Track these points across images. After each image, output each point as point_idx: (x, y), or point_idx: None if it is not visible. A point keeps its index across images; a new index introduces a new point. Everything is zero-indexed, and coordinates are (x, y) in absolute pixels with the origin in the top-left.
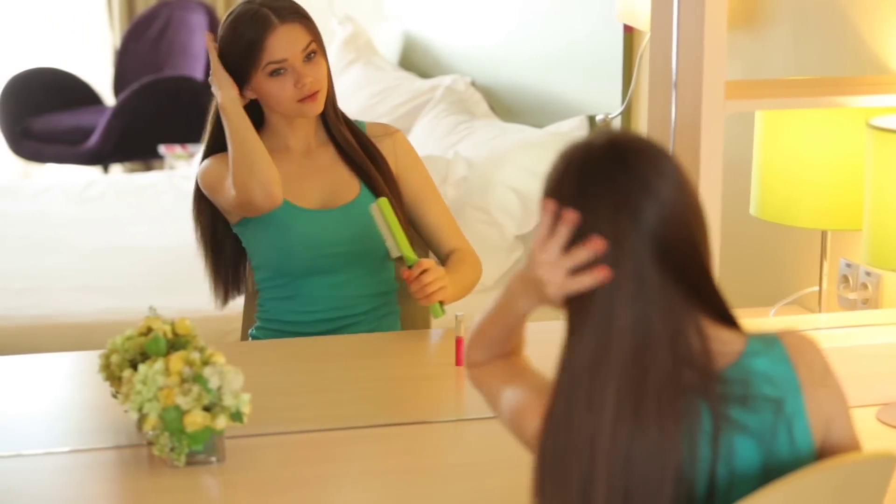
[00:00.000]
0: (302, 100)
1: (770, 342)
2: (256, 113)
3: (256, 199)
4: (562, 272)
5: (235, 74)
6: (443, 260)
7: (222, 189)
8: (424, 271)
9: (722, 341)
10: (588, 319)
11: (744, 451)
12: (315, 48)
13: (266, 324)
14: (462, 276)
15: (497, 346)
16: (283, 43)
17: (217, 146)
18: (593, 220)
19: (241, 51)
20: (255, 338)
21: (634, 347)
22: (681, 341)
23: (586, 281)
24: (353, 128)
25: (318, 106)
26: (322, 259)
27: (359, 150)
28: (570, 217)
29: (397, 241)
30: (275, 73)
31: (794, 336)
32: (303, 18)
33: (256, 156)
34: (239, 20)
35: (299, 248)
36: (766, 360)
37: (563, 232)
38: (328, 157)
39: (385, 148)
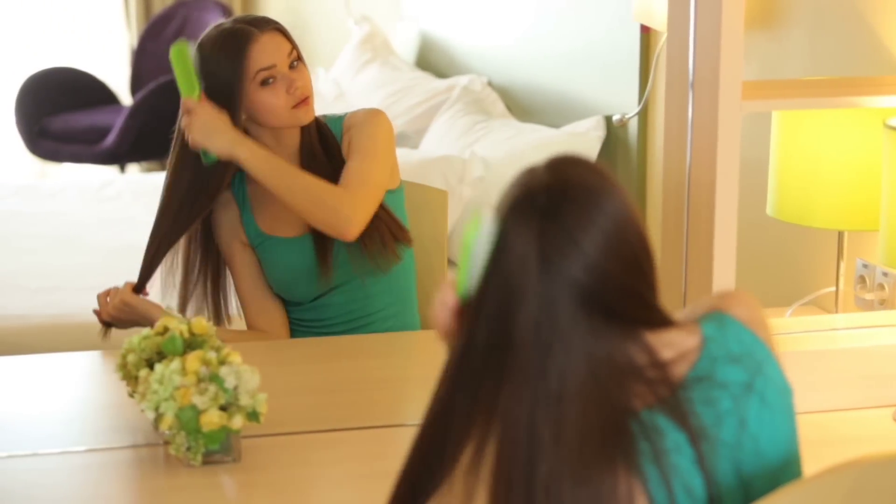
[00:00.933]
0: (296, 106)
1: (721, 321)
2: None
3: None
4: None
5: (227, 97)
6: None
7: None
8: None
9: (676, 344)
10: (506, 385)
11: (723, 464)
12: (297, 55)
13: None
14: (295, 172)
15: None
16: (268, 49)
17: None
18: (515, 267)
19: (229, 68)
20: None
21: (559, 404)
22: (619, 366)
23: None
24: (325, 144)
25: (311, 112)
26: (321, 280)
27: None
28: None
29: (181, 89)
30: (265, 81)
31: (735, 305)
32: (279, 27)
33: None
34: (218, 41)
35: (294, 278)
36: (725, 343)
37: None
38: (322, 164)
39: (350, 129)
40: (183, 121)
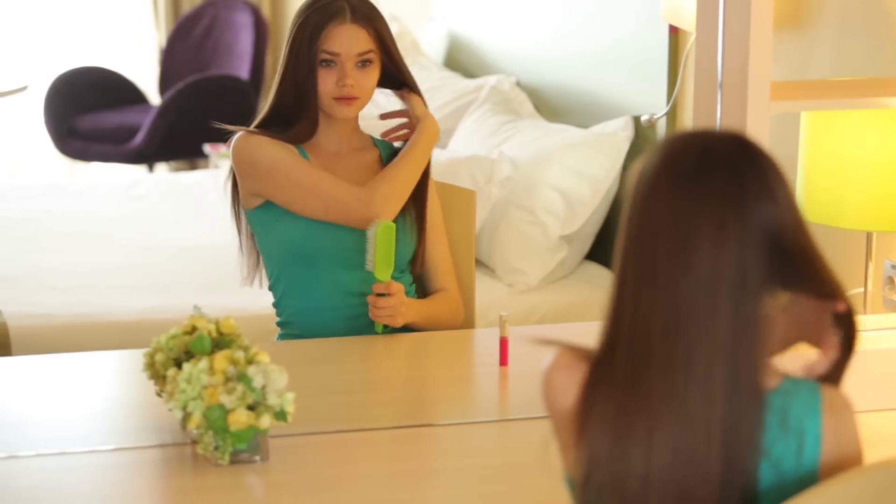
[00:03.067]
0: (337, 98)
1: (811, 388)
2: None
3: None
4: None
5: (301, 54)
6: (428, 294)
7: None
8: (382, 296)
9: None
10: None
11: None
12: (372, 58)
13: (288, 328)
14: (435, 310)
15: None
16: (342, 39)
17: (271, 126)
18: (703, 200)
19: (307, 34)
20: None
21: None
22: (748, 355)
23: None
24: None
25: (350, 111)
26: (336, 249)
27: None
28: None
29: (376, 265)
30: (325, 62)
31: (836, 393)
32: (372, 26)
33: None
34: (316, 2)
35: (317, 231)
36: (795, 402)
37: None
38: (355, 164)
39: None
40: (379, 301)
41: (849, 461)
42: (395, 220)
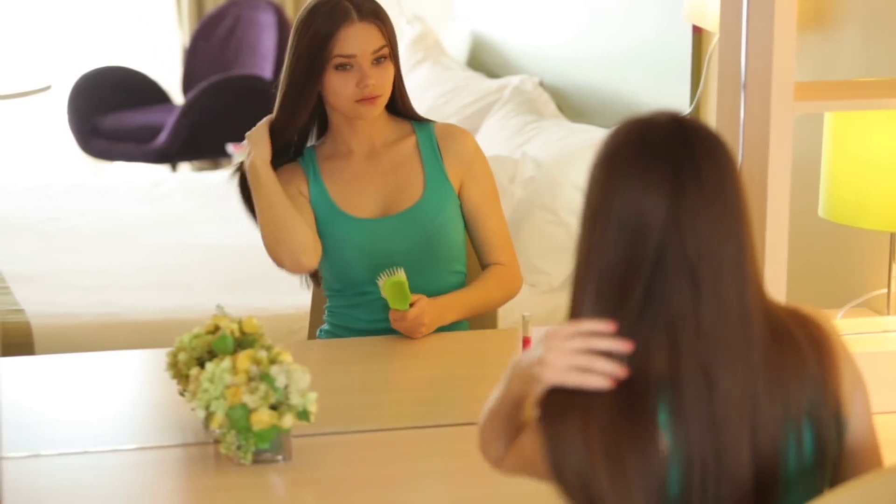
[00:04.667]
0: (360, 100)
1: None
2: (322, 116)
3: (286, 266)
4: (568, 362)
5: (308, 66)
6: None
7: None
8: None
9: None
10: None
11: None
12: (386, 53)
13: (334, 328)
14: (479, 296)
15: (507, 429)
16: (356, 39)
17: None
18: (642, 191)
19: (315, 40)
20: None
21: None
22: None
23: (587, 381)
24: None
25: (376, 110)
26: (381, 268)
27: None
28: (609, 330)
29: (391, 303)
30: (340, 67)
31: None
32: (380, 21)
33: (284, 224)
34: (319, 8)
35: (357, 259)
36: None
37: (594, 340)
38: (391, 160)
39: (453, 149)
40: (402, 325)
41: None
42: (442, 213)
